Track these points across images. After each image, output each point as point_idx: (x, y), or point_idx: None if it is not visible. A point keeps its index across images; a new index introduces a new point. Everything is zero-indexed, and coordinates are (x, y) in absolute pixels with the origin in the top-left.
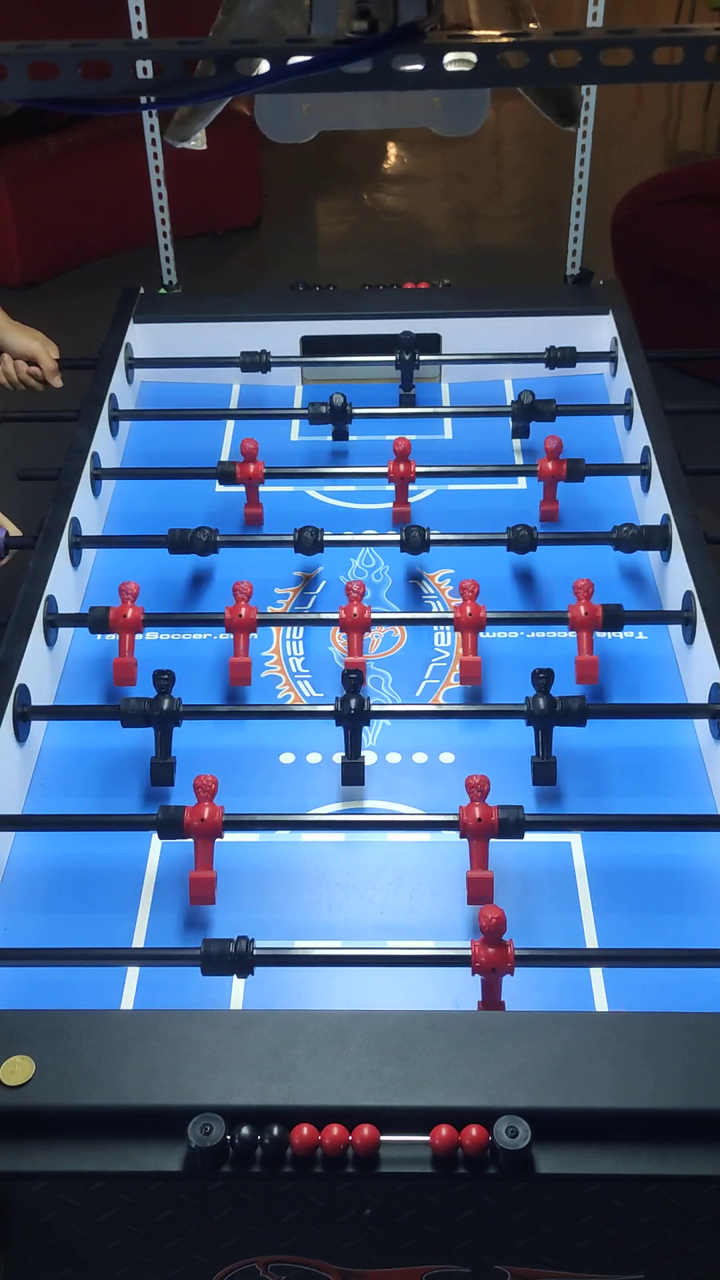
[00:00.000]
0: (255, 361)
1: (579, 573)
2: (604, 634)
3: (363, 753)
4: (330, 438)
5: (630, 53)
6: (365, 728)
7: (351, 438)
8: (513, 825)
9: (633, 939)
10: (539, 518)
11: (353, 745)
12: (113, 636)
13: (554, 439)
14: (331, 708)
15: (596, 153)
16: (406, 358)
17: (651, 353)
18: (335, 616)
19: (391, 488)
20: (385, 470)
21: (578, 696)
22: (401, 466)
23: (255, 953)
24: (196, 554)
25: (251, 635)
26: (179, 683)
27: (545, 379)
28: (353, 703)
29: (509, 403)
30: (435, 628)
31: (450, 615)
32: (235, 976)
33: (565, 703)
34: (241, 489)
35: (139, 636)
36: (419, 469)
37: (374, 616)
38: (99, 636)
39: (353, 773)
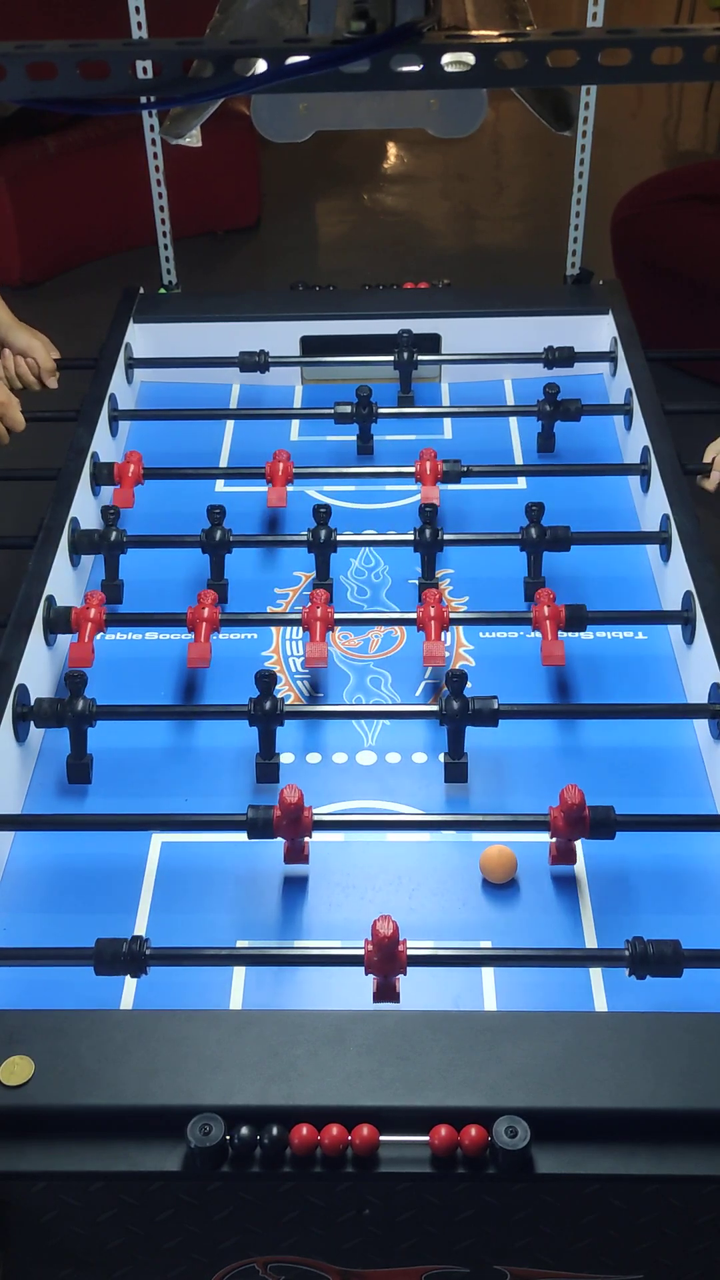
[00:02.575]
0: (253, 361)
1: (579, 572)
2: (570, 633)
3: (359, 753)
4: (335, 438)
5: (629, 53)
6: (366, 728)
7: (350, 438)
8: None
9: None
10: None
11: (265, 745)
12: (112, 636)
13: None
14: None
15: (596, 153)
16: (405, 357)
17: (651, 353)
18: (296, 617)
19: (413, 486)
20: (411, 470)
21: (489, 697)
22: (429, 465)
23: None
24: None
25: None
26: (172, 680)
27: (544, 379)
28: (266, 704)
29: (534, 403)
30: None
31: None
32: (129, 976)
33: (476, 703)
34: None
35: (140, 636)
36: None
37: (372, 616)
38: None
39: (267, 772)
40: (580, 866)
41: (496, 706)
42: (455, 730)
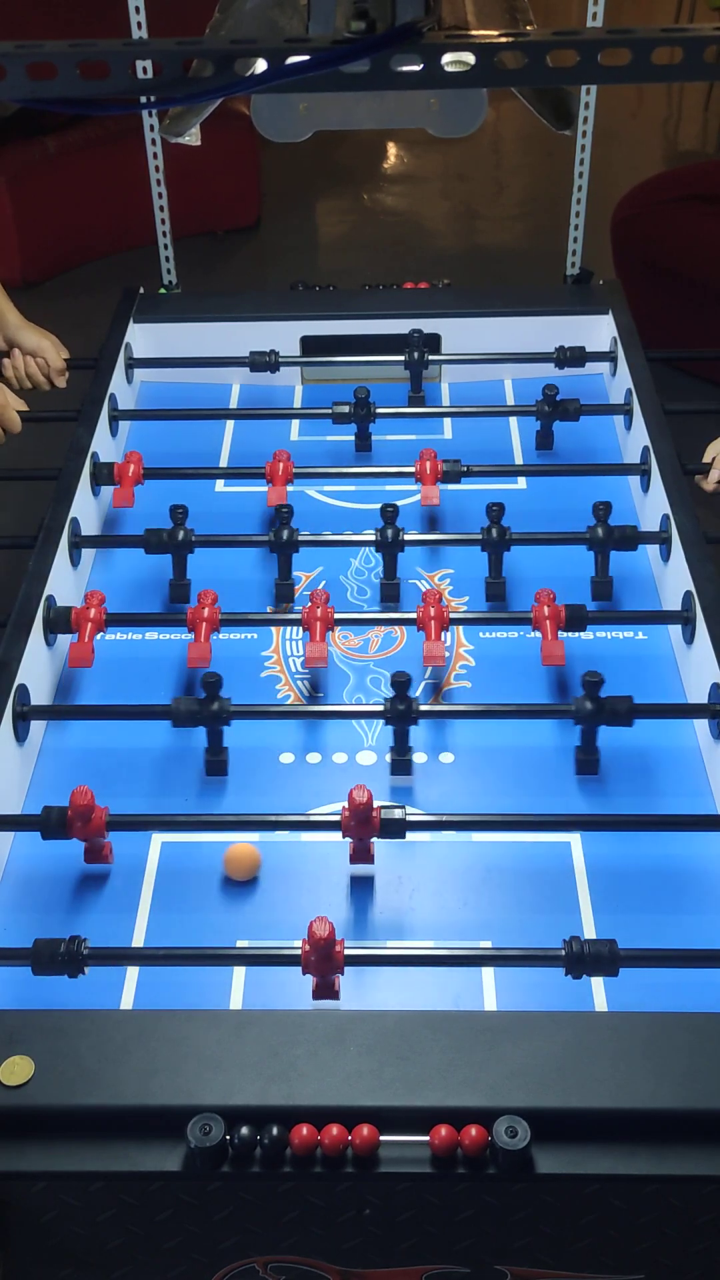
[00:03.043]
0: (264, 361)
1: (577, 572)
2: (570, 634)
3: (359, 753)
4: (335, 438)
5: (629, 53)
6: (366, 728)
7: (350, 438)
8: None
9: (632, 939)
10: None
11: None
12: (112, 636)
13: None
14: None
15: (596, 153)
16: (416, 357)
17: (651, 353)
18: (296, 617)
19: (414, 486)
20: (411, 470)
21: (624, 697)
22: (429, 465)
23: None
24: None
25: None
26: (172, 679)
27: (544, 379)
28: (214, 705)
29: (533, 403)
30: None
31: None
32: (67, 976)
33: (612, 704)
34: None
35: (140, 636)
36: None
37: (372, 617)
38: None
39: (215, 768)
40: (580, 866)
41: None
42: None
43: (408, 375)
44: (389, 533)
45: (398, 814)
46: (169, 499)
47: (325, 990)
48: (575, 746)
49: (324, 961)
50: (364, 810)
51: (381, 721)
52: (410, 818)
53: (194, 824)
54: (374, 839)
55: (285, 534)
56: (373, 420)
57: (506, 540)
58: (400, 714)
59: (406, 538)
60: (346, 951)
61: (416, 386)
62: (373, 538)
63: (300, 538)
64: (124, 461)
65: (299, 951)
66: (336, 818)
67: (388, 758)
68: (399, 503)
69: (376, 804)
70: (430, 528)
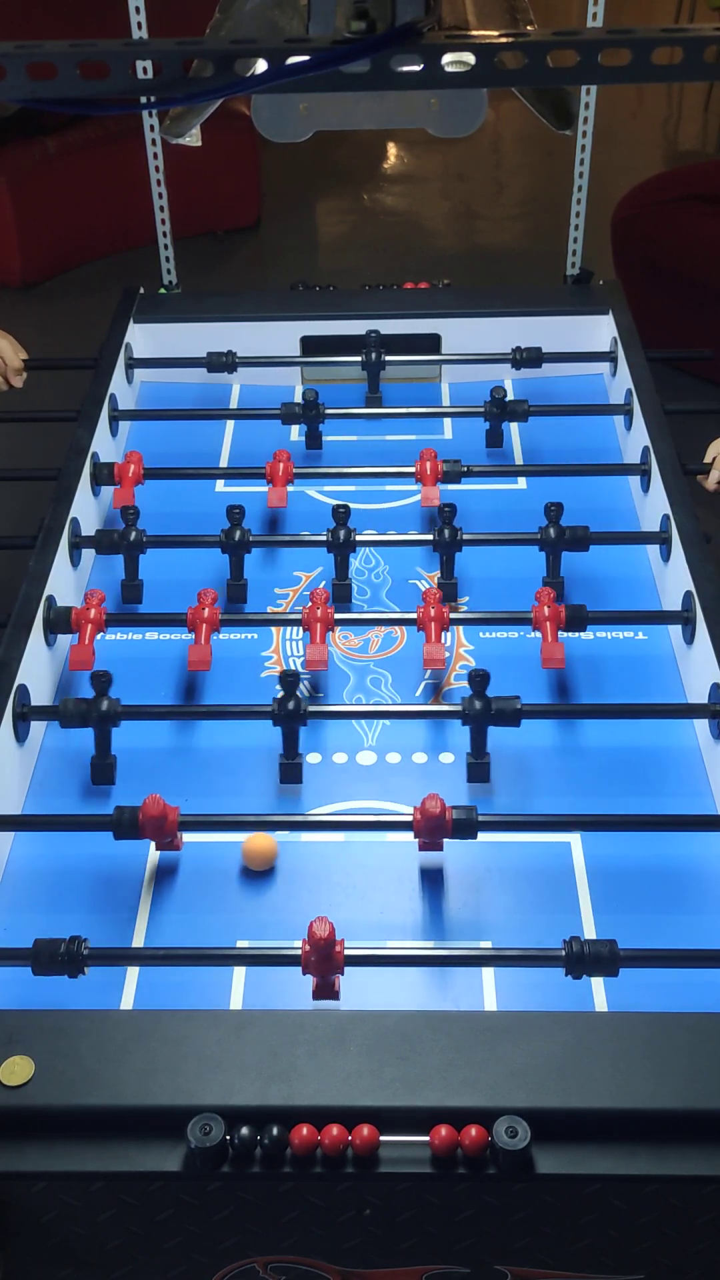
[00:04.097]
0: (221, 362)
1: (580, 572)
2: (570, 634)
3: (359, 753)
4: (334, 438)
5: (629, 53)
6: (366, 728)
7: (350, 438)
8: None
9: (632, 939)
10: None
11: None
12: (112, 636)
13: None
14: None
15: (596, 153)
16: (373, 358)
17: (651, 353)
18: (296, 617)
19: (414, 486)
20: (411, 470)
21: (512, 697)
22: (429, 465)
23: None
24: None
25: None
26: (172, 680)
27: (544, 378)
28: (290, 703)
29: (482, 404)
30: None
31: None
32: (67, 976)
33: (499, 704)
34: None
35: (140, 636)
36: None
37: (372, 617)
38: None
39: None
40: (580, 866)
41: (519, 706)
42: (479, 730)
43: (419, 376)
44: (340, 533)
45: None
46: (169, 499)
47: (325, 990)
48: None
49: (324, 962)
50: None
51: (382, 722)
52: (410, 818)
53: (195, 824)
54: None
55: (343, 534)
56: (322, 420)
57: (459, 541)
58: (290, 714)
59: (465, 538)
60: (346, 951)
61: (374, 388)
62: (430, 537)
63: (357, 538)
64: (124, 462)
65: (299, 952)
66: (338, 818)
67: (280, 760)
68: (400, 503)
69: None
70: (431, 528)
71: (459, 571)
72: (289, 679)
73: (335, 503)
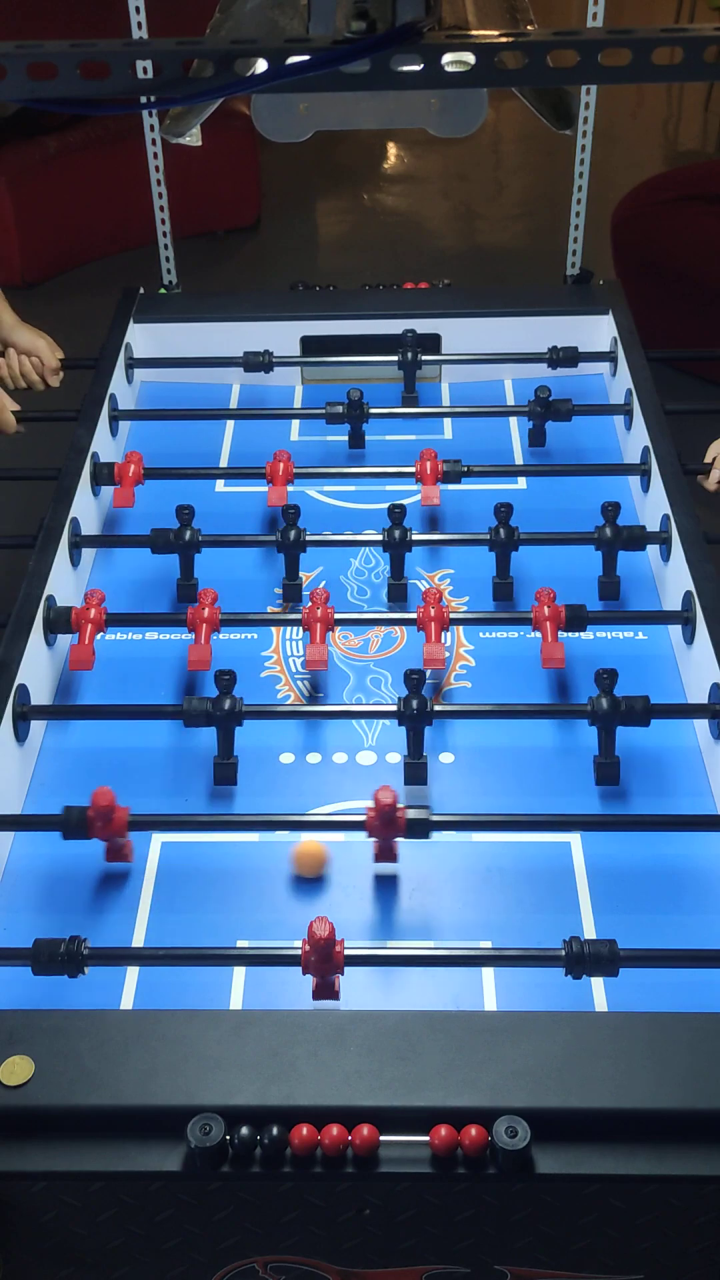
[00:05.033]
0: (258, 361)
1: (578, 573)
2: (570, 634)
3: (359, 753)
4: (334, 438)
5: (629, 53)
6: (366, 728)
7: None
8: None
9: (632, 939)
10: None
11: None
12: (112, 636)
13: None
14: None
15: (596, 153)
16: (410, 358)
17: (651, 353)
18: (296, 617)
19: (414, 486)
20: (411, 470)
21: (641, 697)
22: (429, 465)
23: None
24: (183, 553)
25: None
26: (172, 680)
27: (545, 379)
28: (226, 704)
29: (525, 403)
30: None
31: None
32: (67, 976)
33: (629, 702)
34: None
35: (141, 636)
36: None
37: (372, 617)
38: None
39: (225, 773)
40: (580, 866)
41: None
42: (608, 729)
43: (420, 376)
44: (396, 533)
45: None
46: (169, 499)
47: (325, 990)
48: (594, 755)
49: (324, 962)
50: (389, 811)
51: (382, 722)
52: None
53: (195, 824)
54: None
55: (293, 534)
56: (366, 420)
57: (514, 540)
58: (227, 714)
59: (414, 538)
60: (346, 951)
61: (410, 387)
62: (379, 538)
63: (308, 538)
64: (124, 461)
65: (299, 952)
66: (338, 818)
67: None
68: (402, 502)
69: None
70: (431, 528)
71: (460, 572)
72: (224, 679)
73: (334, 503)
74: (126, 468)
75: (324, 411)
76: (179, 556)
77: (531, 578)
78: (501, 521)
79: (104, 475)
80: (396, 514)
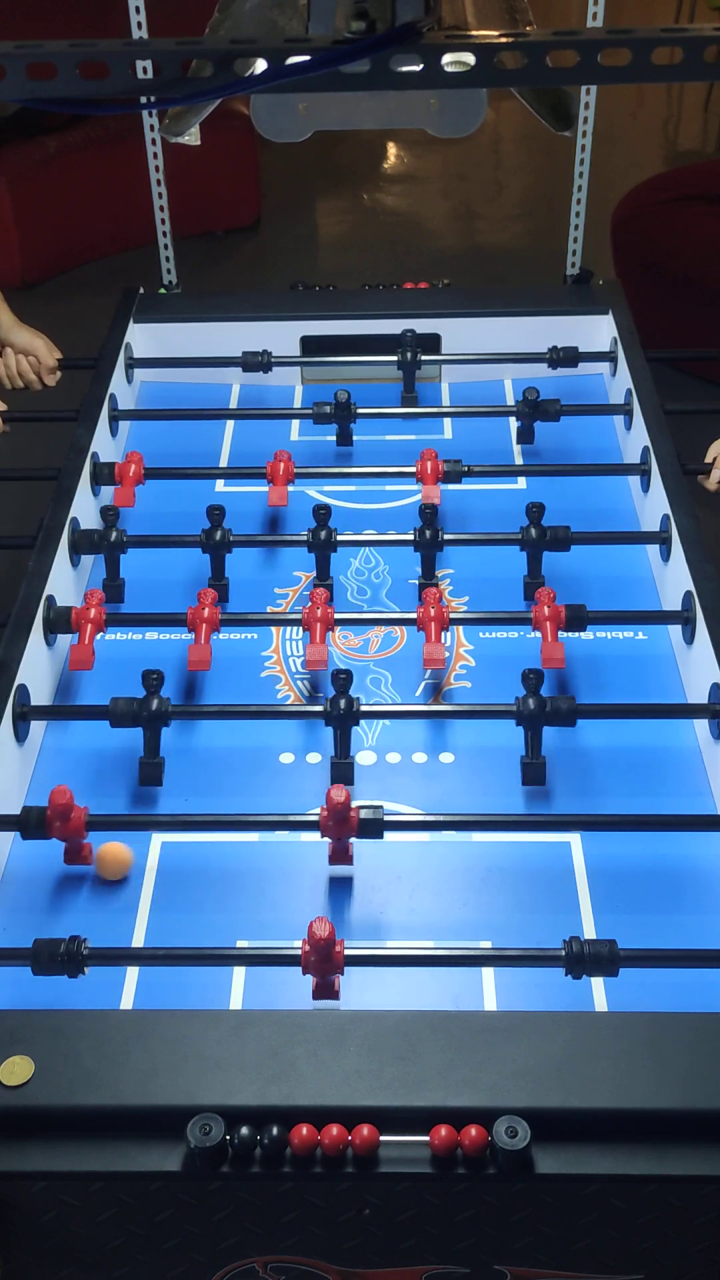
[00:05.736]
0: (257, 361)
1: (580, 572)
2: (570, 634)
3: (359, 753)
4: (334, 438)
5: (629, 53)
6: (367, 728)
7: (353, 437)
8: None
9: (632, 939)
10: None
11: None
12: (112, 636)
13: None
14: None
15: (596, 153)
16: (409, 358)
17: (651, 353)
18: (296, 617)
19: (413, 486)
20: (411, 470)
21: (568, 697)
22: (429, 465)
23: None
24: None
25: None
26: (172, 680)
27: (546, 379)
28: (153, 704)
29: (512, 403)
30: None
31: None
32: (67, 976)
33: (554, 703)
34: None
35: (140, 636)
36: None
37: (371, 617)
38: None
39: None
40: (580, 866)
41: (572, 706)
42: (534, 730)
43: (420, 376)
44: (427, 533)
45: (372, 814)
46: (169, 499)
47: (325, 990)
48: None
49: (324, 962)
50: (342, 810)
51: (382, 722)
52: (411, 818)
53: (195, 824)
54: (352, 839)
55: (324, 534)
56: (353, 420)
57: (546, 540)
58: (153, 715)
59: (446, 538)
60: (346, 951)
61: (410, 387)
62: (411, 537)
63: (339, 538)
64: (125, 461)
65: (299, 952)
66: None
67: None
68: (400, 502)
69: (355, 804)
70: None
71: (460, 572)
72: (152, 678)
73: (334, 503)
74: (127, 467)
75: (312, 411)
76: (210, 557)
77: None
78: (533, 521)
79: (104, 475)
80: (428, 514)
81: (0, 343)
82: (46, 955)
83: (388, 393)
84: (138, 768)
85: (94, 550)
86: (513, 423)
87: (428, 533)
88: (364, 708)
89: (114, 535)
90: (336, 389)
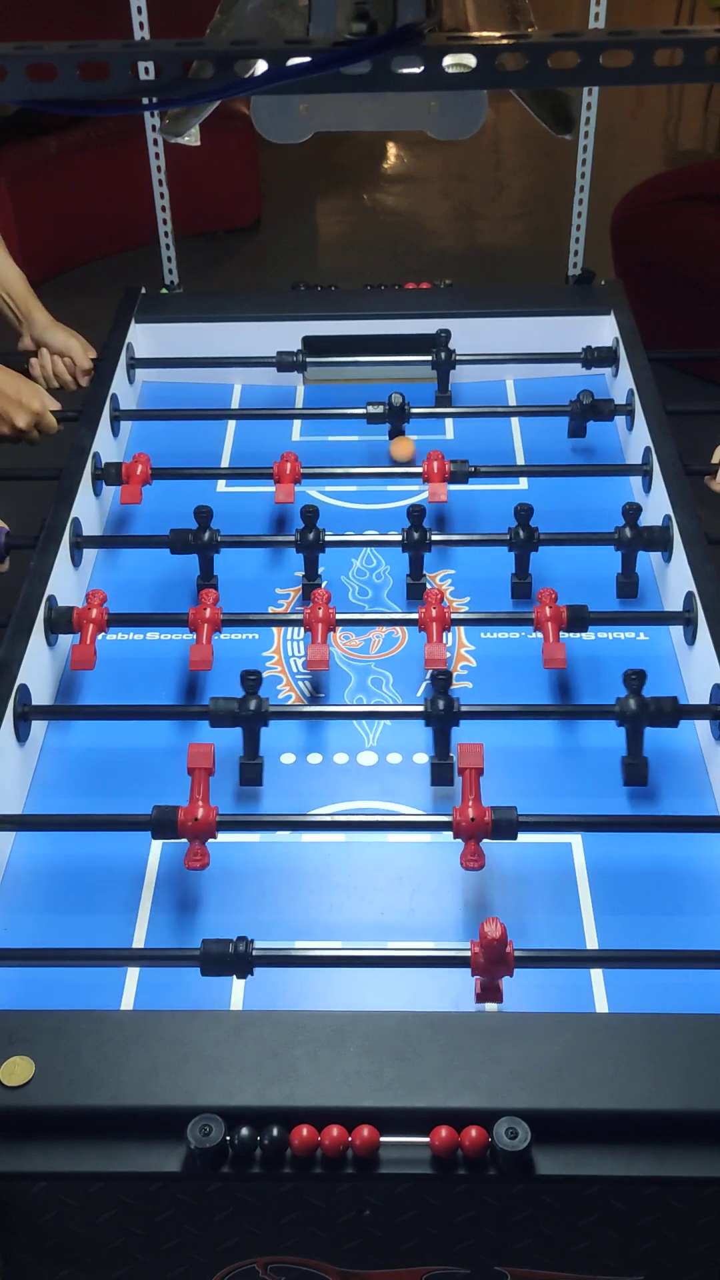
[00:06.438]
0: (291, 362)
1: (581, 573)
2: (572, 634)
3: (359, 753)
4: (335, 439)
5: (630, 54)
6: (367, 729)
7: (352, 438)
8: (505, 826)
9: (633, 940)
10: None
11: (250, 746)
12: (114, 636)
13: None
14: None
15: (596, 153)
16: (443, 357)
17: (653, 353)
18: (297, 617)
19: (416, 487)
20: (415, 470)
21: (670, 698)
22: (435, 465)
23: (255, 953)
24: (198, 554)
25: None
26: (172, 681)
27: (547, 379)
28: (252, 704)
29: (514, 403)
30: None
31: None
32: (235, 977)
33: (658, 703)
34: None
35: (141, 636)
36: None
37: (372, 617)
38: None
39: (251, 774)
40: (580, 867)
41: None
42: (636, 730)
43: (420, 376)
44: (415, 534)
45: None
46: (170, 499)
47: (491, 993)
48: (622, 757)
49: (494, 964)
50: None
51: (383, 723)
52: (410, 819)
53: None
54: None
55: (312, 535)
56: (407, 420)
57: (534, 541)
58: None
59: (434, 538)
60: (347, 952)
61: (444, 386)
62: (396, 538)
63: (326, 538)
64: (132, 461)
65: (299, 952)
66: (338, 818)
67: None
68: (402, 502)
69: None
70: (437, 528)
71: (461, 573)
72: (250, 679)
73: (336, 503)
74: (134, 467)
75: (365, 412)
76: (198, 557)
77: (538, 578)
78: (521, 522)
79: (111, 475)
80: (416, 515)
81: (36, 342)
82: (216, 956)
83: (385, 393)
84: (139, 768)
85: (188, 551)
86: (515, 424)
87: (415, 534)
88: (463, 708)
89: (207, 535)
90: (391, 391)
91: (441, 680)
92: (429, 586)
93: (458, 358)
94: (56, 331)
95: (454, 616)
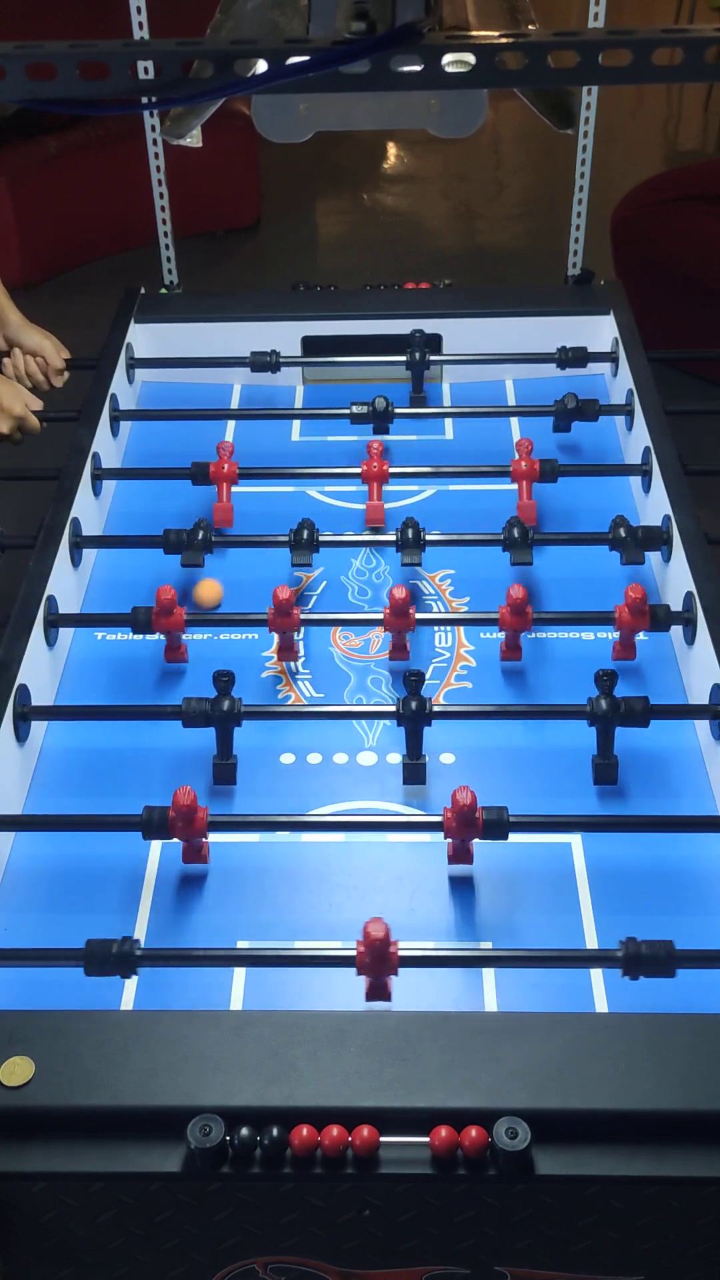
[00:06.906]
0: (265, 361)
1: (579, 573)
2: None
3: (359, 753)
4: (336, 438)
5: (629, 54)
6: (367, 729)
7: (352, 438)
8: (496, 825)
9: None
10: (517, 513)
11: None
12: (114, 637)
13: (526, 441)
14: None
15: (596, 152)
16: (418, 357)
17: (653, 353)
18: (331, 616)
19: (415, 487)
20: (409, 469)
21: (641, 697)
22: (375, 466)
23: (139, 953)
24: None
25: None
26: (173, 681)
27: (547, 379)
28: (224, 704)
29: (514, 403)
30: (435, 628)
31: (448, 616)
32: (121, 977)
33: (628, 703)
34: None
35: (143, 636)
36: (402, 470)
37: (374, 617)
38: (142, 637)
39: (224, 773)
40: (580, 867)
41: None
42: (607, 730)
43: (409, 376)
44: (409, 533)
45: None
46: (170, 498)
47: (379, 991)
48: (592, 755)
49: (379, 963)
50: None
51: (383, 723)
52: (410, 819)
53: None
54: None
55: (305, 534)
56: (391, 420)
57: (528, 541)
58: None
59: (428, 538)
60: (346, 952)
61: (418, 387)
62: (391, 538)
63: (321, 538)
64: (218, 461)
65: (299, 952)
66: (338, 818)
67: None
68: (401, 503)
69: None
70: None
71: (460, 572)
72: (223, 680)
73: (337, 503)
74: (220, 467)
75: (336, 412)
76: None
77: (539, 577)
78: (515, 522)
79: (201, 476)
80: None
81: (9, 342)
82: (100, 956)
83: (391, 393)
84: (139, 768)
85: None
86: (515, 424)
87: (409, 533)
88: (436, 708)
89: (202, 534)
90: (375, 395)
91: (414, 680)
92: (429, 588)
93: (435, 358)
94: (30, 332)
95: (453, 616)
